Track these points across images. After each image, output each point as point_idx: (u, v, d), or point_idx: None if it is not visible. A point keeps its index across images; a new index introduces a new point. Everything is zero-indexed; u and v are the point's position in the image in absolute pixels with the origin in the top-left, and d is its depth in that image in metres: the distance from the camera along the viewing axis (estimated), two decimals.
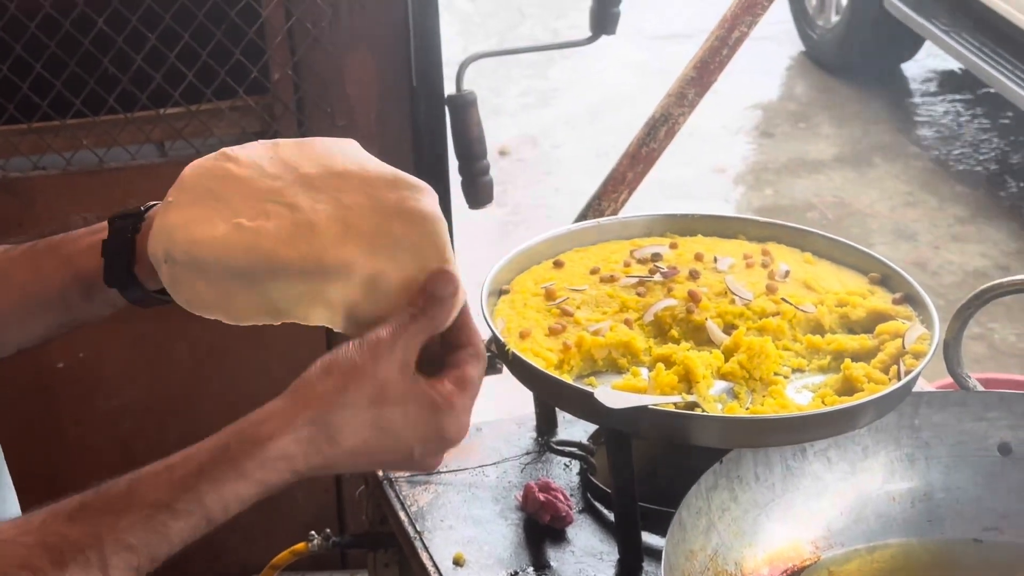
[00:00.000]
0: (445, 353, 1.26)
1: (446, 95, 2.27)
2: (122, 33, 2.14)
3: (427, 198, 1.26)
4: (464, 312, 1.28)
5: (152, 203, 1.34)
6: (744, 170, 5.68)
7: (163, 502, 1.11)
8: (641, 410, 1.53)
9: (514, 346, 1.67)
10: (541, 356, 1.66)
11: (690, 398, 1.59)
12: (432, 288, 1.22)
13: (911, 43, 6.24)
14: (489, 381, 2.55)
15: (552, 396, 1.69)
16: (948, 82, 6.36)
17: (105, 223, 1.34)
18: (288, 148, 1.31)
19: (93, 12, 2.13)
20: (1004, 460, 1.69)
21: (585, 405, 1.57)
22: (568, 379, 1.64)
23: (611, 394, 1.54)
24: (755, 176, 5.64)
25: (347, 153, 1.32)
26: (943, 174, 5.57)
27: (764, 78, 6.36)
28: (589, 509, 1.85)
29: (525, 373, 1.64)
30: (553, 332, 1.71)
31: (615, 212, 2.40)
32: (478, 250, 4.23)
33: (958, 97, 6.23)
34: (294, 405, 1.16)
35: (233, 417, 1.27)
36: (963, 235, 5.10)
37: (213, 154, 1.30)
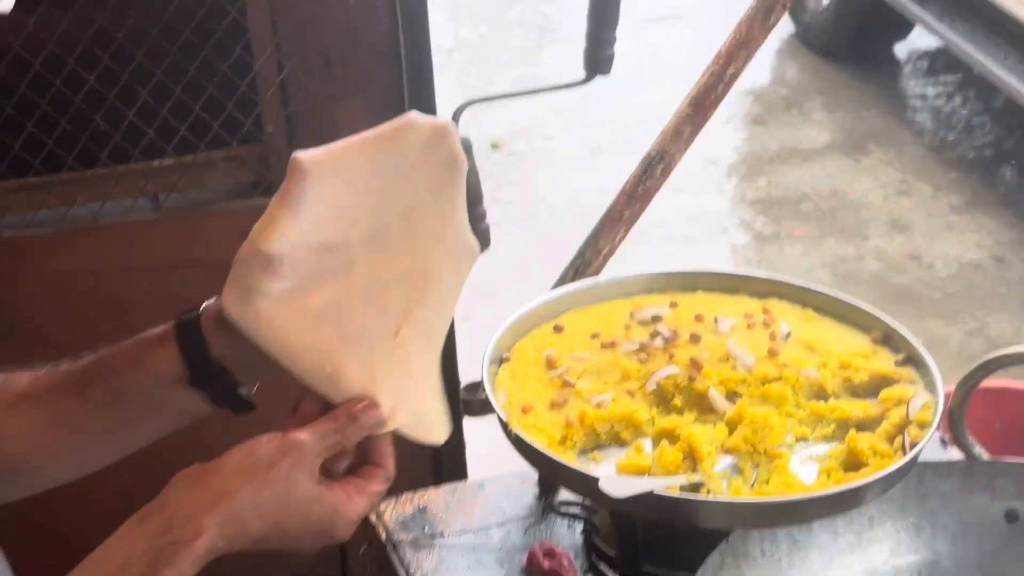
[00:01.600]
0: (359, 459, 1.34)
1: None
2: (113, 89, 2.12)
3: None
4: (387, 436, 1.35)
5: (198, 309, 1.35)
6: (737, 160, 5.66)
7: None
8: (646, 495, 1.53)
9: (516, 422, 1.66)
10: (544, 432, 1.66)
11: (695, 477, 1.58)
12: (358, 415, 1.29)
13: (902, 25, 6.21)
14: (486, 424, 2.53)
15: (557, 477, 1.68)
16: (940, 63, 6.33)
17: (163, 327, 1.35)
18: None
19: (84, 70, 2.10)
20: (1011, 528, 1.68)
21: (590, 489, 1.56)
22: (572, 456, 1.64)
23: (616, 481, 1.53)
24: (748, 166, 5.62)
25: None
26: (937, 160, 5.56)
27: (755, 62, 6.30)
28: (594, 570, 1.85)
29: (529, 453, 1.64)
30: (555, 406, 1.71)
31: (612, 251, 2.38)
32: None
33: (950, 78, 6.21)
34: (214, 500, 1.22)
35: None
36: (958, 225, 5.09)
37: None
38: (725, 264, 4.98)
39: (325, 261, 1.29)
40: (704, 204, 5.21)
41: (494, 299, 4.58)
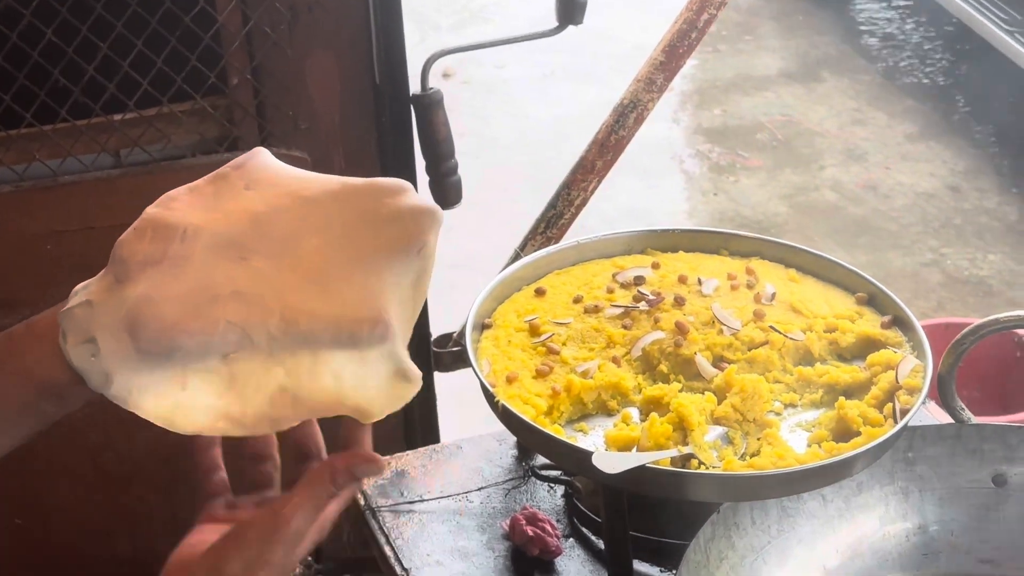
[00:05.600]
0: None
1: (411, 95, 2.20)
2: (72, 43, 2.05)
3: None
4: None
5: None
6: (691, 89, 5.62)
7: None
8: (638, 470, 1.51)
9: (502, 392, 1.63)
10: (530, 403, 1.63)
11: (685, 450, 1.56)
12: (356, 470, 1.15)
13: None
14: (461, 378, 2.50)
15: (546, 450, 1.66)
16: None
17: (40, 318, 1.25)
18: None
19: (41, 23, 2.03)
20: (999, 492, 1.68)
21: (580, 463, 1.53)
22: (559, 428, 1.61)
23: (608, 457, 1.51)
24: (702, 95, 5.58)
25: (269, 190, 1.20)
26: (891, 88, 5.54)
27: None
28: (576, 534, 1.83)
29: (517, 425, 1.61)
30: (540, 374, 1.68)
31: (584, 202, 2.35)
32: None
33: (902, 3, 6.18)
34: None
35: None
36: (913, 154, 5.08)
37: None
38: (681, 197, 4.96)
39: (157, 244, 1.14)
40: (659, 134, 5.18)
41: (450, 231, 4.56)
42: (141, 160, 2.17)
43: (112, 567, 2.44)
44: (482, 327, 1.76)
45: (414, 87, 2.22)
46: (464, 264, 3.94)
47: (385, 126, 2.20)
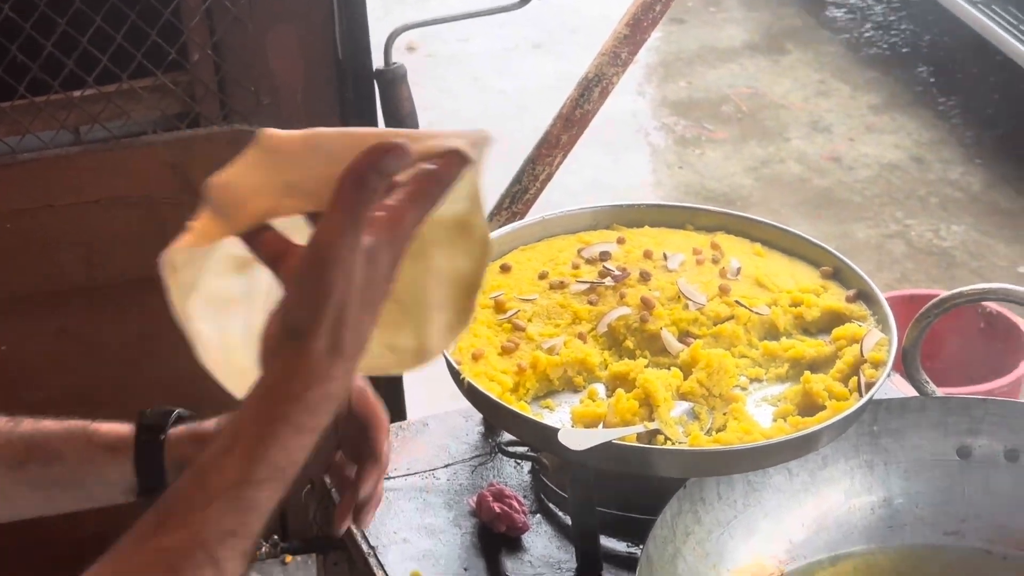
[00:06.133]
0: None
1: (374, 69, 2.18)
2: (30, 19, 2.03)
3: None
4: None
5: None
6: (656, 61, 5.61)
7: (242, 479, 1.05)
8: (605, 446, 1.50)
9: (467, 370, 1.63)
10: (496, 380, 1.63)
11: (652, 425, 1.56)
12: (381, 165, 1.05)
13: None
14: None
15: (512, 427, 1.65)
16: None
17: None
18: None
19: None
20: (963, 464, 1.68)
21: (547, 440, 1.53)
22: (525, 404, 1.61)
23: (574, 433, 1.51)
24: (667, 68, 5.57)
25: None
26: (855, 59, 5.54)
27: None
28: (543, 510, 1.83)
29: (482, 402, 1.60)
30: (506, 351, 1.67)
31: (549, 177, 2.35)
32: None
33: None
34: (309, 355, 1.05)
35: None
36: (877, 125, 5.09)
37: None
38: (647, 170, 4.96)
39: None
40: (624, 107, 5.15)
41: None
42: (101, 137, 2.15)
43: (77, 547, 2.42)
44: None
45: (377, 61, 2.20)
46: None
47: (348, 101, 2.18)
